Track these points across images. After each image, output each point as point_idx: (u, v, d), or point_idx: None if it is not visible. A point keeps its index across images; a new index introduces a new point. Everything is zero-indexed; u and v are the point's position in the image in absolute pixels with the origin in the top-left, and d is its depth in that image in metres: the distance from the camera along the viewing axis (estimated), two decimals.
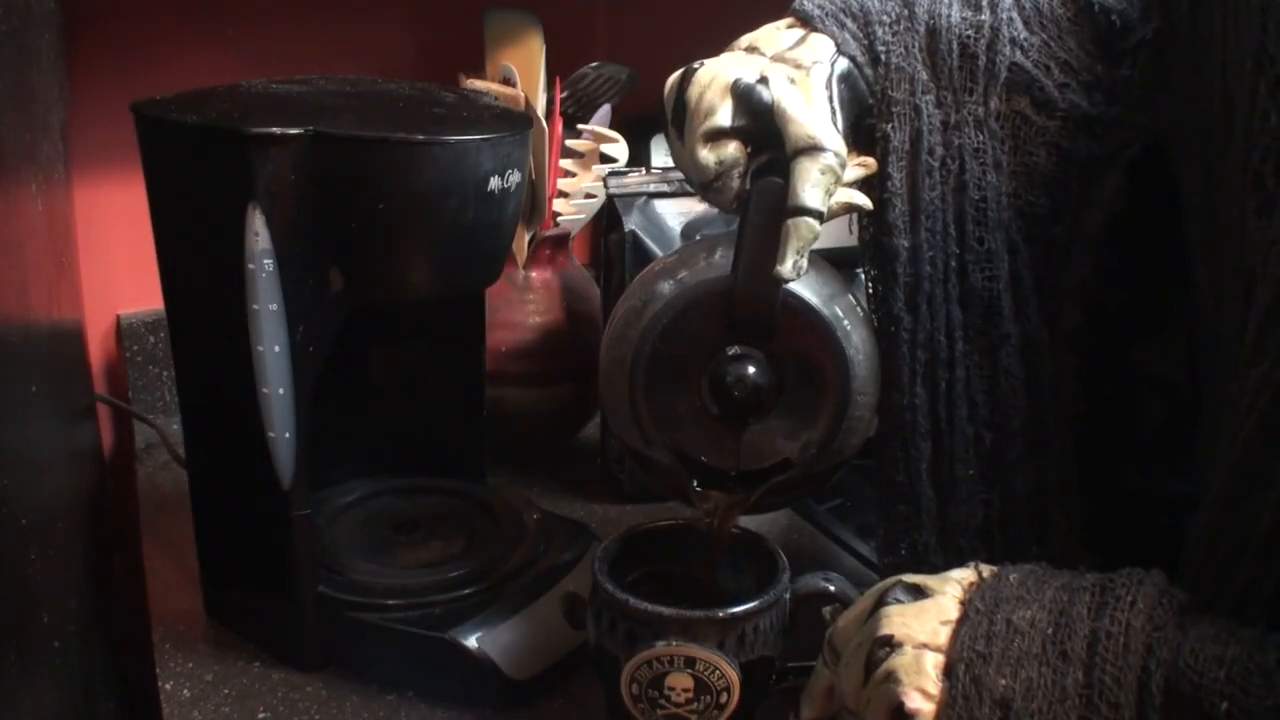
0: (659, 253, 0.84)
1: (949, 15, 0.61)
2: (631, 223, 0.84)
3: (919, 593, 0.48)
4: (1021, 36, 0.60)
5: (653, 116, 1.15)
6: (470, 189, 0.62)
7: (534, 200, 0.90)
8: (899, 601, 0.48)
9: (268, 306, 0.61)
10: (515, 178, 0.65)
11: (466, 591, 0.67)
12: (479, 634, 0.65)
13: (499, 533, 0.74)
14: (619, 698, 0.57)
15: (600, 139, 0.91)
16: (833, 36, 0.60)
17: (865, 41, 0.60)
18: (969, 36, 0.60)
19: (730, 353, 0.57)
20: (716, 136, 0.57)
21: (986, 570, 0.48)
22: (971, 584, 0.47)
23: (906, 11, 0.61)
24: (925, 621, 0.46)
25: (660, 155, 1.11)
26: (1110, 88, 0.60)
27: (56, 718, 0.55)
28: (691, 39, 1.19)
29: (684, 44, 1.18)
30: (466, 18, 0.93)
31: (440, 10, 1.06)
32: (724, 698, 0.56)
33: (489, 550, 0.72)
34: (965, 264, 0.60)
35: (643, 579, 0.62)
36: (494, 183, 0.63)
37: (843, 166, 0.55)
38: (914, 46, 0.60)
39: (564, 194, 0.92)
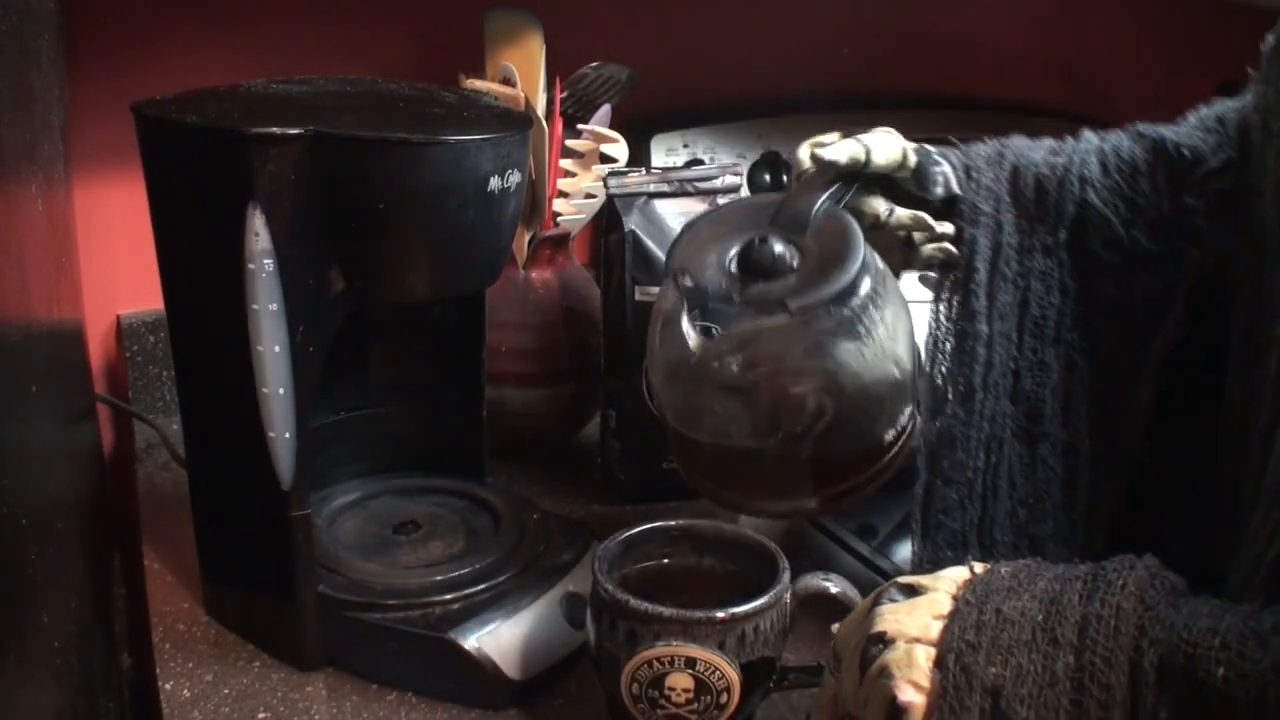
0: (659, 253, 0.84)
1: (1032, 156, 0.70)
2: (631, 223, 0.84)
3: (913, 592, 0.48)
4: (1094, 177, 0.68)
5: (653, 117, 1.16)
6: (470, 189, 0.62)
7: (534, 200, 0.90)
8: (893, 601, 0.48)
9: (268, 306, 0.61)
10: (515, 178, 0.65)
11: (466, 591, 0.67)
12: (479, 634, 0.65)
13: (499, 533, 0.74)
14: (619, 698, 0.57)
15: (600, 139, 0.91)
16: (931, 150, 0.71)
17: (963, 158, 0.71)
18: (1045, 175, 0.69)
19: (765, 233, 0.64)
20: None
21: (980, 567, 0.49)
22: (965, 581, 0.48)
23: (998, 152, 0.71)
24: (917, 617, 0.46)
25: (660, 155, 1.11)
26: (1174, 224, 0.67)
27: (56, 718, 0.55)
28: (691, 39, 1.19)
29: (684, 44, 1.18)
30: (466, 18, 0.93)
31: (440, 10, 1.06)
32: (724, 698, 0.56)
33: (489, 550, 0.72)
34: (1019, 368, 0.68)
35: (643, 578, 0.62)
36: (494, 183, 0.63)
37: (868, 154, 0.67)
38: (1001, 177, 0.70)
39: (564, 194, 0.92)
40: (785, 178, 1.16)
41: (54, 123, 0.78)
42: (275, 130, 0.58)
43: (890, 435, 0.66)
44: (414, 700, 0.66)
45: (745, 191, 1.12)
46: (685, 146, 1.13)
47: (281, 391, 0.62)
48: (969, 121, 1.29)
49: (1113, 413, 0.67)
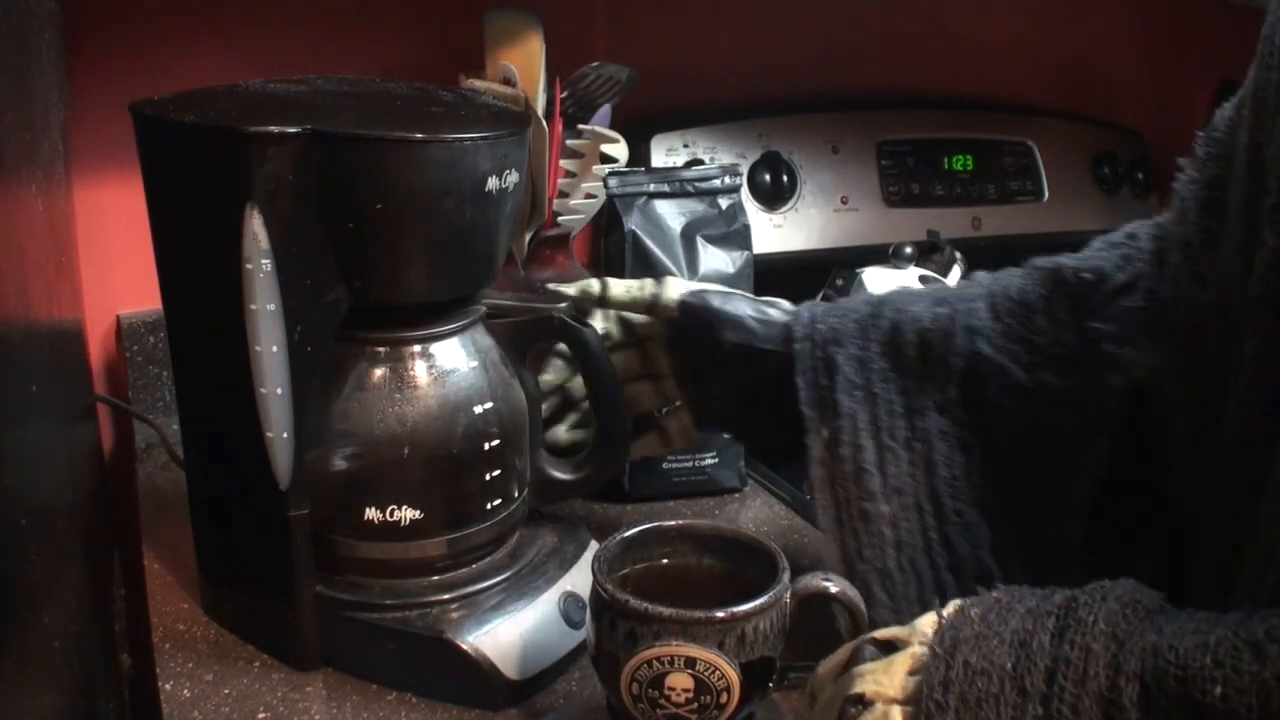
0: (659, 253, 0.84)
1: (914, 310, 0.67)
2: (631, 223, 0.84)
3: (890, 648, 0.48)
4: (984, 325, 0.64)
5: (653, 116, 1.15)
6: (468, 189, 0.62)
7: (534, 200, 0.90)
8: (870, 659, 0.48)
9: (265, 307, 0.61)
10: (513, 178, 0.65)
11: (465, 591, 0.67)
12: (479, 634, 0.65)
13: None
14: (619, 698, 0.57)
15: (600, 139, 0.91)
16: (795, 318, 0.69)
17: (826, 317, 0.68)
18: (928, 329, 0.65)
19: None
20: None
21: (951, 608, 0.48)
22: (937, 630, 0.47)
23: (873, 309, 0.68)
24: (894, 676, 0.46)
25: (660, 155, 1.11)
26: (1082, 355, 0.62)
27: (56, 718, 0.55)
28: (691, 39, 1.19)
29: (684, 44, 1.18)
30: (466, 18, 0.94)
31: (440, 10, 1.06)
32: (724, 698, 0.56)
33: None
34: (946, 534, 0.63)
35: (642, 578, 0.62)
36: (492, 183, 0.63)
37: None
38: (873, 339, 0.66)
39: (564, 194, 0.92)
40: (785, 178, 1.16)
41: (54, 123, 0.78)
42: (273, 129, 0.58)
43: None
44: (413, 700, 0.66)
45: (746, 192, 1.12)
46: (685, 146, 1.13)
47: (280, 391, 0.62)
48: (969, 121, 1.29)
49: (1045, 559, 0.62)
